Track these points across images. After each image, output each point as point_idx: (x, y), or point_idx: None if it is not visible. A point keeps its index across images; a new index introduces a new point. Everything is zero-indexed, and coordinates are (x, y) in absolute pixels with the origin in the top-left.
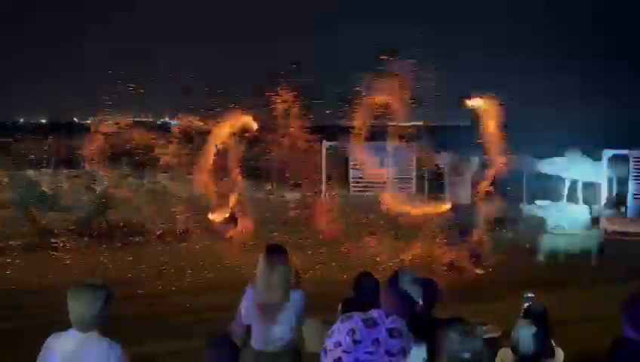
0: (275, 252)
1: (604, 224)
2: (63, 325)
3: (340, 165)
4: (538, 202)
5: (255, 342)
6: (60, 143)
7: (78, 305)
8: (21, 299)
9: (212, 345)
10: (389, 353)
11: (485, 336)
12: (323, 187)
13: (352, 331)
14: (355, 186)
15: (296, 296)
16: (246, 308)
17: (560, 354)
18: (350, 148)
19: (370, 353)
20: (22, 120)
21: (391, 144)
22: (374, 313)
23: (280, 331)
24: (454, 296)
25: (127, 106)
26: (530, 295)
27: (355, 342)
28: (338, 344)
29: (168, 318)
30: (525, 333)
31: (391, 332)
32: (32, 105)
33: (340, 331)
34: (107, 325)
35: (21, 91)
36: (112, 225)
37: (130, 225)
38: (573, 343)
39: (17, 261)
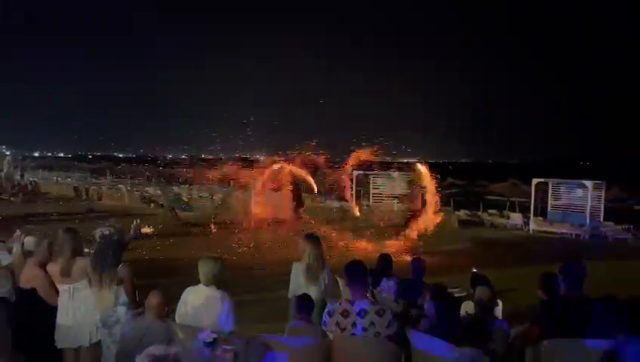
0: (310, 239)
1: (532, 226)
2: (196, 281)
3: (365, 185)
4: (490, 210)
5: None
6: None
7: (204, 270)
8: (171, 265)
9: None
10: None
11: (456, 295)
12: (353, 199)
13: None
14: (374, 199)
15: (327, 269)
16: (295, 275)
17: (500, 304)
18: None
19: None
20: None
21: (396, 172)
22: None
23: (317, 289)
24: (434, 270)
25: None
26: (474, 270)
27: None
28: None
29: (261, 279)
30: (484, 292)
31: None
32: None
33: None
34: (222, 282)
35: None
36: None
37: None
38: (509, 300)
39: (168, 242)
